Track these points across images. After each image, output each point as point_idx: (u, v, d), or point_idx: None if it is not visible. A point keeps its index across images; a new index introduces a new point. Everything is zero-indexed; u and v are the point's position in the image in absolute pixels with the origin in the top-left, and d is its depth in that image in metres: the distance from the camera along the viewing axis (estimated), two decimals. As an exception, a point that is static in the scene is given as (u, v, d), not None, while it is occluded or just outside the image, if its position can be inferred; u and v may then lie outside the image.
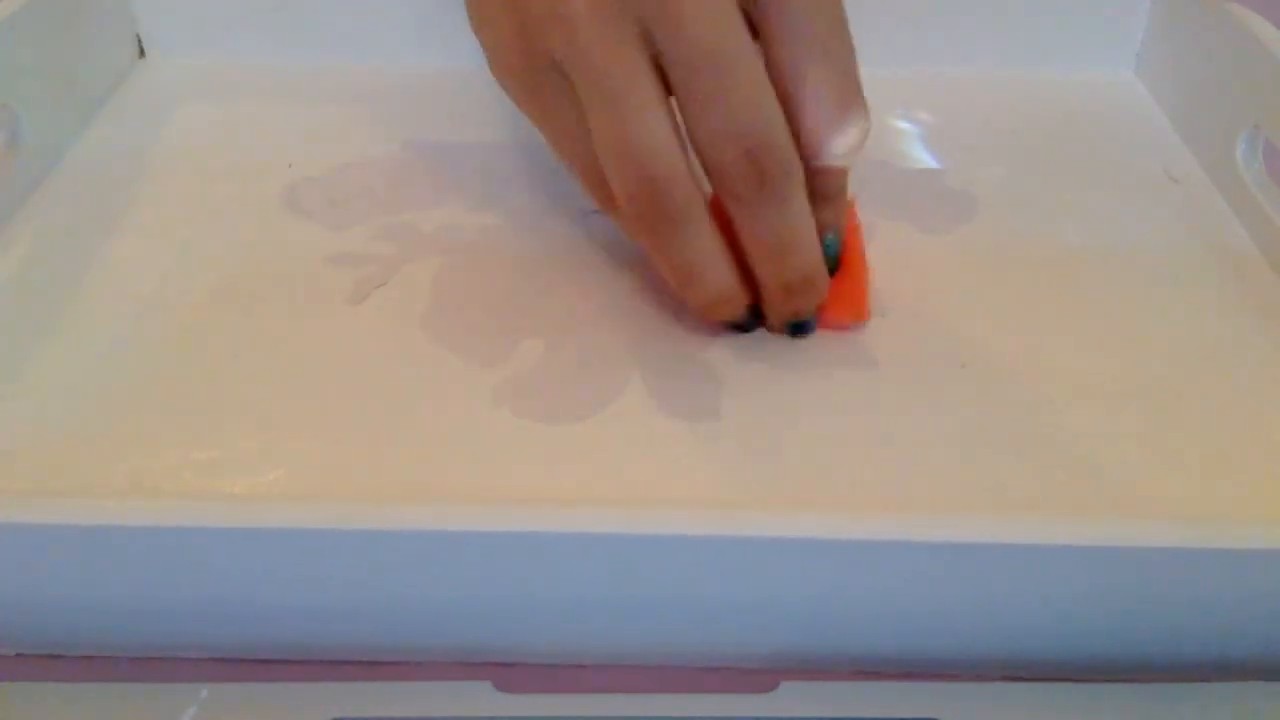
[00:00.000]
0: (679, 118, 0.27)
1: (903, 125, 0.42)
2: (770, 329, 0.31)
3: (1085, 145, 0.41)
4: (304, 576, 0.23)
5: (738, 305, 0.30)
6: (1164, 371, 0.31)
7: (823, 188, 0.29)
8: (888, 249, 0.35)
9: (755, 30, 0.27)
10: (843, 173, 0.30)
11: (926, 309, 0.33)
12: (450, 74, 0.43)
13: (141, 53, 0.45)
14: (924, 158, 0.40)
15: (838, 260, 0.31)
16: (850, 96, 0.28)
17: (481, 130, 0.41)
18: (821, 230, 0.29)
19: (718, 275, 0.29)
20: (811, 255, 0.29)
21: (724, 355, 0.31)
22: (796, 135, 0.28)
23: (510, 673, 0.25)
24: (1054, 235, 0.36)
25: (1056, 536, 0.21)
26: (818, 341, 0.31)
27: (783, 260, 0.28)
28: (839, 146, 0.28)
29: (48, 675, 0.25)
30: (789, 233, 0.28)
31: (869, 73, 0.44)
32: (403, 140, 0.40)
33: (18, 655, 0.25)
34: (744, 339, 0.31)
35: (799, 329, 0.31)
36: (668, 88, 0.27)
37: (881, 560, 0.22)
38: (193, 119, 0.42)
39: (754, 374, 0.30)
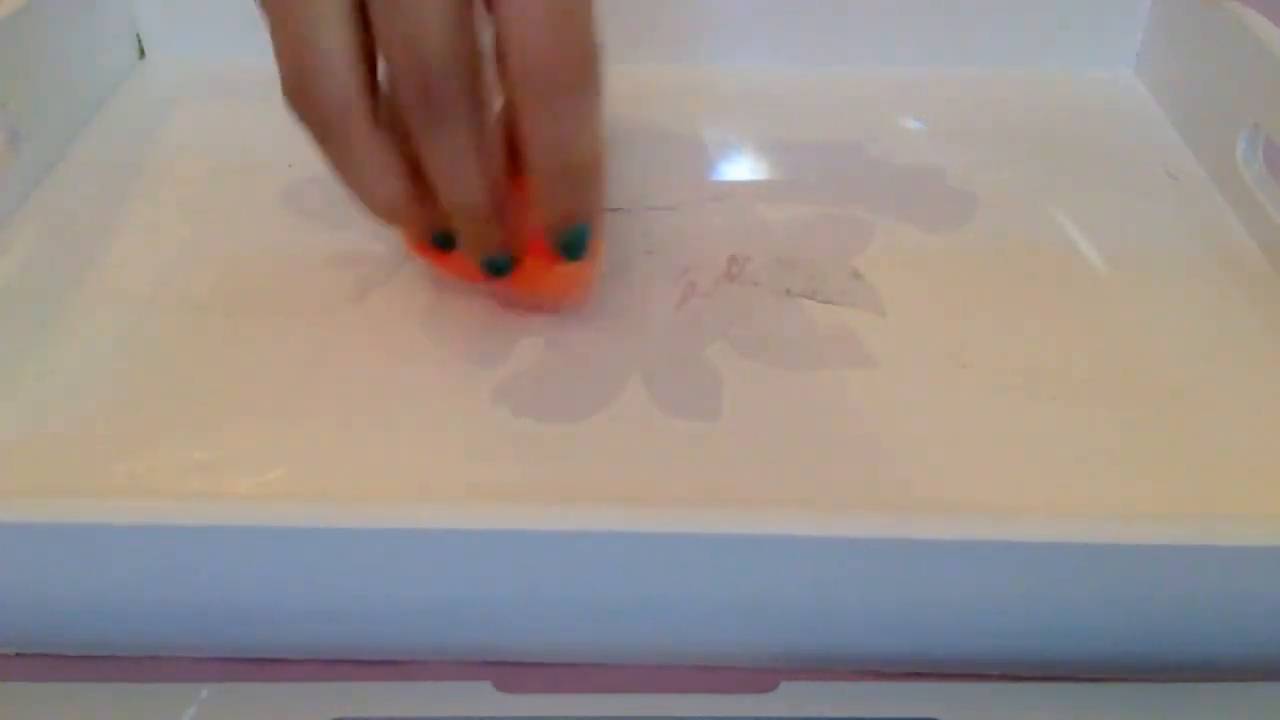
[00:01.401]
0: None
1: (903, 125, 0.42)
2: (469, 269, 0.29)
3: (1085, 145, 0.41)
4: (304, 576, 0.23)
5: (419, 223, 0.29)
6: (1164, 371, 0.31)
7: (555, 157, 0.27)
8: (888, 249, 0.35)
9: None
10: (581, 143, 0.27)
11: (926, 309, 0.33)
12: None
13: (141, 53, 0.45)
14: (924, 158, 0.40)
15: (580, 249, 0.29)
16: (572, 33, 0.25)
17: (481, 130, 0.41)
18: (562, 219, 0.28)
19: (383, 189, 0.27)
20: (481, 187, 0.27)
21: (724, 355, 0.31)
22: (511, 71, 0.25)
23: (510, 673, 0.25)
24: (1054, 235, 0.36)
25: (1056, 536, 0.21)
26: (818, 341, 0.31)
27: (450, 185, 0.27)
28: (544, 80, 0.25)
29: (48, 675, 0.25)
30: (455, 158, 0.26)
31: (871, 72, 0.44)
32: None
33: (18, 655, 0.25)
34: (743, 339, 0.31)
35: (491, 267, 0.29)
36: None
37: (882, 560, 0.22)
38: (193, 119, 0.42)
39: (754, 374, 0.30)
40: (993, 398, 0.30)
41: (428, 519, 0.21)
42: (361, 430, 0.29)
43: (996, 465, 0.28)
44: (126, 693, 0.24)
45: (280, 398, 0.30)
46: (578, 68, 0.26)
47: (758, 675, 0.25)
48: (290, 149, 0.39)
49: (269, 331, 0.32)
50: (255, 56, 0.44)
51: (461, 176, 0.27)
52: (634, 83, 0.43)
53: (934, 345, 0.31)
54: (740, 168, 0.40)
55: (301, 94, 0.26)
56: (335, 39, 0.25)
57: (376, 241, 0.35)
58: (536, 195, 0.28)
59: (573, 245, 0.29)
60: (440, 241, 0.29)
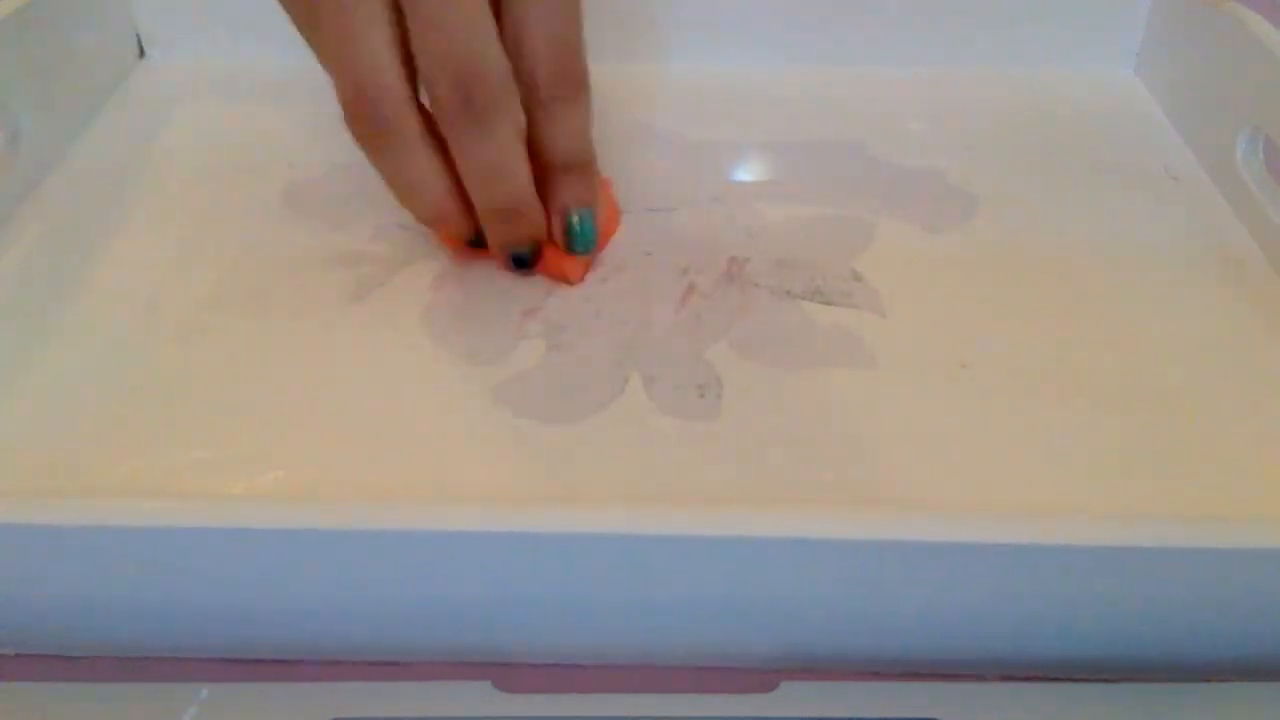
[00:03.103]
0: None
1: (903, 125, 0.42)
2: (495, 259, 0.33)
3: (1085, 145, 0.41)
4: (304, 576, 0.23)
5: (460, 225, 0.31)
6: (1164, 371, 0.31)
7: (556, 155, 0.31)
8: (888, 249, 0.35)
9: None
10: (576, 144, 0.31)
11: (926, 309, 0.33)
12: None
13: (141, 53, 0.45)
14: (924, 158, 0.40)
15: (593, 237, 0.32)
16: (569, 56, 0.30)
17: (481, 130, 0.41)
18: (563, 209, 0.32)
19: (432, 194, 0.30)
20: (516, 186, 0.30)
21: (724, 355, 0.31)
22: (520, 84, 0.29)
23: (510, 673, 0.25)
24: (1054, 235, 0.36)
25: (1057, 536, 0.21)
26: (818, 342, 0.31)
27: (488, 187, 0.30)
28: (555, 102, 0.30)
29: (48, 675, 0.25)
30: (493, 160, 0.29)
31: (871, 72, 0.44)
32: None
33: (18, 655, 0.25)
34: (743, 340, 0.31)
35: (517, 261, 0.32)
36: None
37: (882, 560, 0.22)
38: (193, 119, 0.42)
39: (754, 374, 0.30)
40: (993, 398, 0.30)
41: (428, 519, 0.21)
42: (361, 430, 0.29)
43: (997, 465, 0.28)
44: (126, 693, 0.24)
45: (280, 398, 0.30)
46: (575, 84, 0.30)
47: (758, 675, 0.25)
48: (290, 149, 0.40)
49: (269, 331, 0.32)
50: (255, 56, 0.45)
51: (498, 179, 0.30)
52: (634, 83, 0.43)
53: (934, 345, 0.31)
54: (740, 168, 0.40)
55: (360, 111, 0.28)
56: (386, 58, 0.28)
57: (376, 241, 0.35)
58: (544, 189, 0.32)
59: (579, 233, 0.32)
60: (476, 242, 0.32)
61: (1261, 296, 0.33)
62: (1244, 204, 0.36)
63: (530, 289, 0.33)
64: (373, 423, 0.29)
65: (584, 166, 0.32)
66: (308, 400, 0.29)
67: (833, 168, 0.39)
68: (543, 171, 0.31)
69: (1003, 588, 0.22)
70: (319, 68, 0.44)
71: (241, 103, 0.43)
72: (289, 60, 0.44)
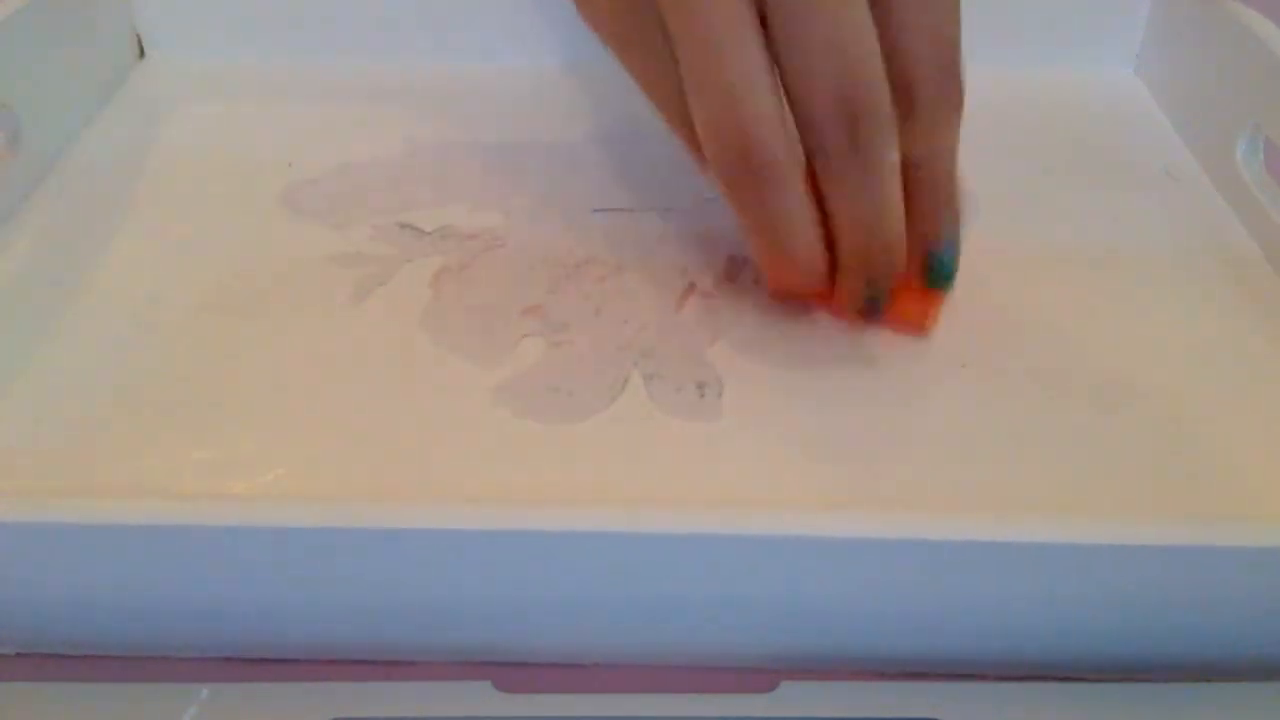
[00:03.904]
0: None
1: (903, 125, 0.42)
2: (839, 309, 0.29)
3: (1085, 145, 0.41)
4: (304, 576, 0.23)
5: (818, 278, 0.28)
6: (1164, 371, 0.31)
7: (923, 176, 0.27)
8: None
9: None
10: (948, 164, 0.27)
11: (926, 309, 0.33)
12: (452, 74, 0.43)
13: (141, 53, 0.45)
14: (924, 158, 0.40)
15: (954, 271, 0.28)
16: (952, 60, 0.26)
17: (482, 130, 0.41)
18: (925, 240, 0.28)
19: (807, 242, 0.27)
20: (899, 224, 0.26)
21: (724, 355, 0.31)
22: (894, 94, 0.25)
23: (510, 673, 0.25)
24: (1054, 235, 0.36)
25: (1056, 536, 0.21)
26: (818, 341, 0.31)
27: (870, 227, 0.26)
28: (936, 112, 0.26)
29: (48, 675, 0.25)
30: (879, 196, 0.26)
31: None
32: (403, 140, 0.40)
33: (18, 655, 0.25)
34: (743, 340, 0.31)
35: (871, 305, 0.28)
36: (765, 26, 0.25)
37: (881, 560, 0.22)
38: (193, 119, 0.42)
39: (754, 374, 0.30)
40: (993, 398, 0.30)
41: (427, 519, 0.21)
42: (361, 430, 0.29)
43: (997, 465, 0.28)
44: (126, 693, 0.24)
45: (280, 398, 0.30)
46: (958, 92, 0.27)
47: (758, 675, 0.25)
48: (290, 149, 0.40)
49: (269, 331, 0.32)
50: (255, 56, 0.45)
51: (882, 218, 0.26)
52: (633, 81, 0.43)
53: (934, 345, 0.31)
54: (740, 168, 0.39)
55: (743, 150, 0.25)
56: (765, 83, 0.25)
57: (376, 241, 0.35)
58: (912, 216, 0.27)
59: (942, 266, 0.28)
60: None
61: (1261, 296, 0.33)
62: (1244, 204, 0.36)
63: (530, 287, 0.33)
64: (373, 423, 0.29)
65: (951, 189, 0.27)
66: (308, 400, 0.29)
67: (833, 168, 0.39)
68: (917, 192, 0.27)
69: (1003, 588, 0.22)
70: (319, 68, 0.44)
71: (241, 103, 0.43)
72: (289, 60, 0.44)
